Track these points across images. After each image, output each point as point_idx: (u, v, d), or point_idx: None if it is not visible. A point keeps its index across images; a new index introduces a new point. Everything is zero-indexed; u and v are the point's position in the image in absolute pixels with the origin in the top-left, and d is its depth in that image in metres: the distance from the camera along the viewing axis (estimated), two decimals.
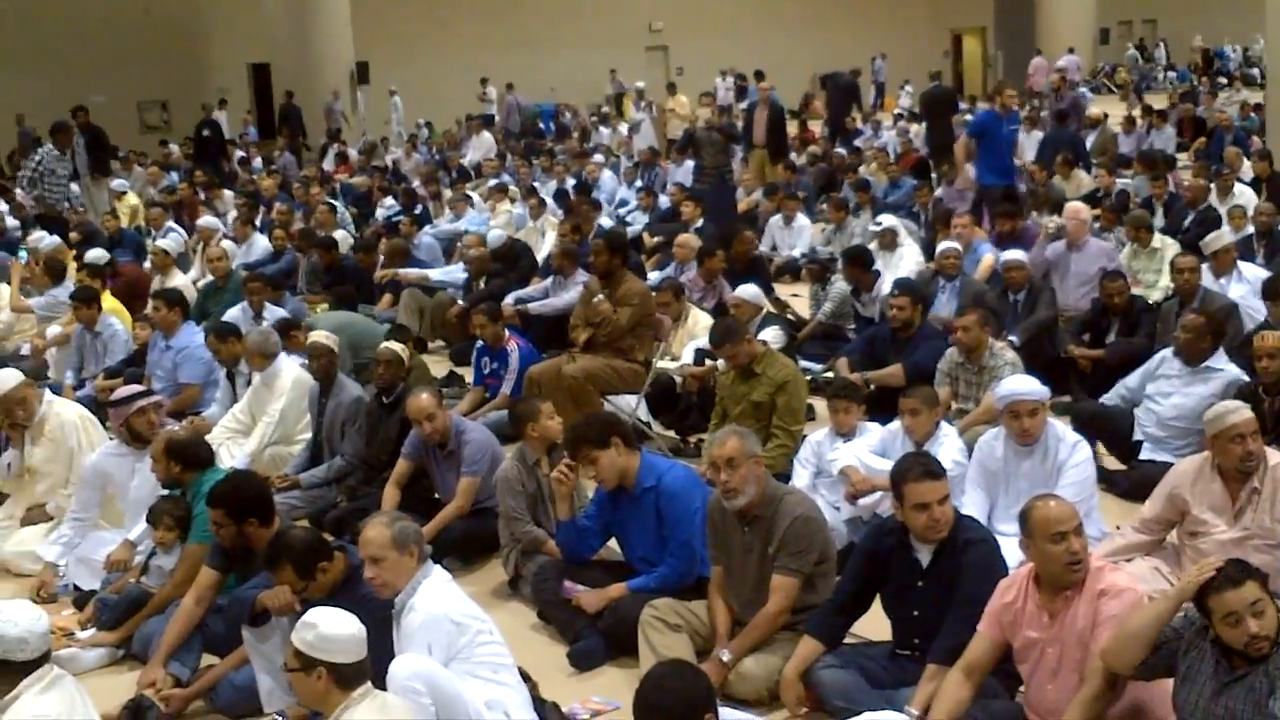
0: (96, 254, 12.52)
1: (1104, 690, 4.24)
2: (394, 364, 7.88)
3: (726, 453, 5.22)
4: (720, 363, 8.16)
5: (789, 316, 10.86)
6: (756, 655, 5.18)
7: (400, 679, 4.38)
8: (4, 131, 27.39)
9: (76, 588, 6.78)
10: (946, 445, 6.51)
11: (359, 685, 4.16)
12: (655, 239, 14.79)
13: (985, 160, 13.98)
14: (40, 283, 12.94)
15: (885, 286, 9.86)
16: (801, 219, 14.77)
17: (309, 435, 8.26)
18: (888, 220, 12.34)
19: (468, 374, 10.06)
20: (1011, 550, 4.97)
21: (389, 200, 18.54)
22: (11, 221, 18.71)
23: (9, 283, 12.82)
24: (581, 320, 8.85)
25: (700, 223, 13.24)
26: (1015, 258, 9.80)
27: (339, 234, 14.49)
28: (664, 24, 37.75)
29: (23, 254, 13.91)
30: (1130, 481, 7.25)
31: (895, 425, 6.78)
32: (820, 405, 8.33)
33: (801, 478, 6.83)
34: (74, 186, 17.02)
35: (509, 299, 11.20)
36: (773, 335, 9.02)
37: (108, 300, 11.04)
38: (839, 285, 10.70)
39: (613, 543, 6.28)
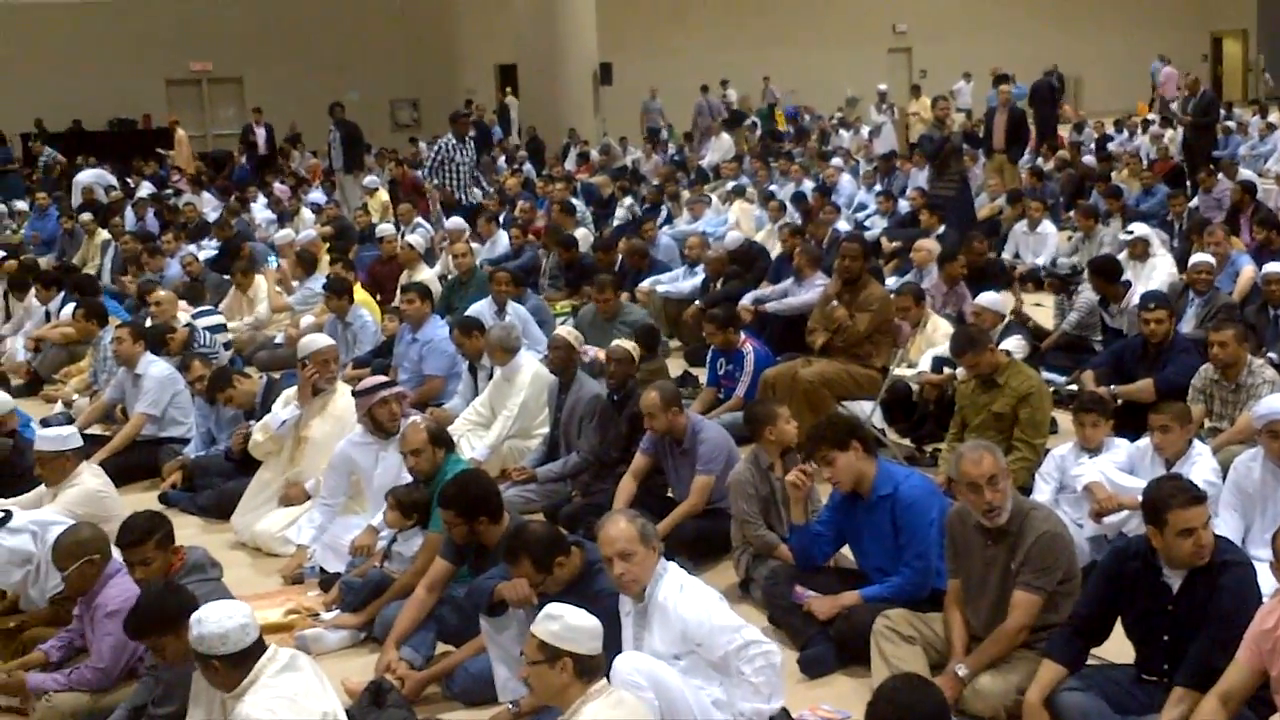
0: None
1: None
2: (624, 362, 7.96)
3: (986, 470, 5.08)
4: (959, 371, 7.99)
5: (1028, 326, 10.58)
6: (993, 672, 5.05)
7: (624, 674, 4.42)
8: (276, 127, 28.52)
9: (323, 570, 7.02)
10: (1200, 465, 6.24)
11: (598, 679, 4.20)
12: (894, 244, 14.60)
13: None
14: (295, 275, 13.49)
15: (1135, 298, 9.52)
16: (1047, 226, 14.37)
17: (547, 430, 8.40)
18: (1140, 229, 11.89)
19: (702, 374, 10.08)
20: (1265, 576, 4.76)
21: (629, 200, 18.75)
22: (269, 215, 19.56)
23: (265, 275, 13.39)
24: (819, 324, 8.78)
25: (941, 229, 13.00)
26: (1277, 271, 9.34)
27: (579, 232, 14.71)
28: (908, 26, 37.26)
29: (272, 260, 14.47)
30: None
31: (1144, 442, 6.54)
32: (1064, 418, 8.10)
33: (1043, 492, 6.64)
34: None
35: (746, 298, 11.21)
36: (1015, 345, 8.79)
37: (358, 292, 11.44)
38: (1086, 295, 10.37)
39: (845, 550, 6.22)
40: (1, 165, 24.40)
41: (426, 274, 12.77)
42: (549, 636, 4.18)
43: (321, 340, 8.10)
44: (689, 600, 4.83)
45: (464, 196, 16.57)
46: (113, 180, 22.55)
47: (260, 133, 25.42)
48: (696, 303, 11.70)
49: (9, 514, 6.17)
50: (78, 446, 6.95)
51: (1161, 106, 27.97)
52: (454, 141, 16.65)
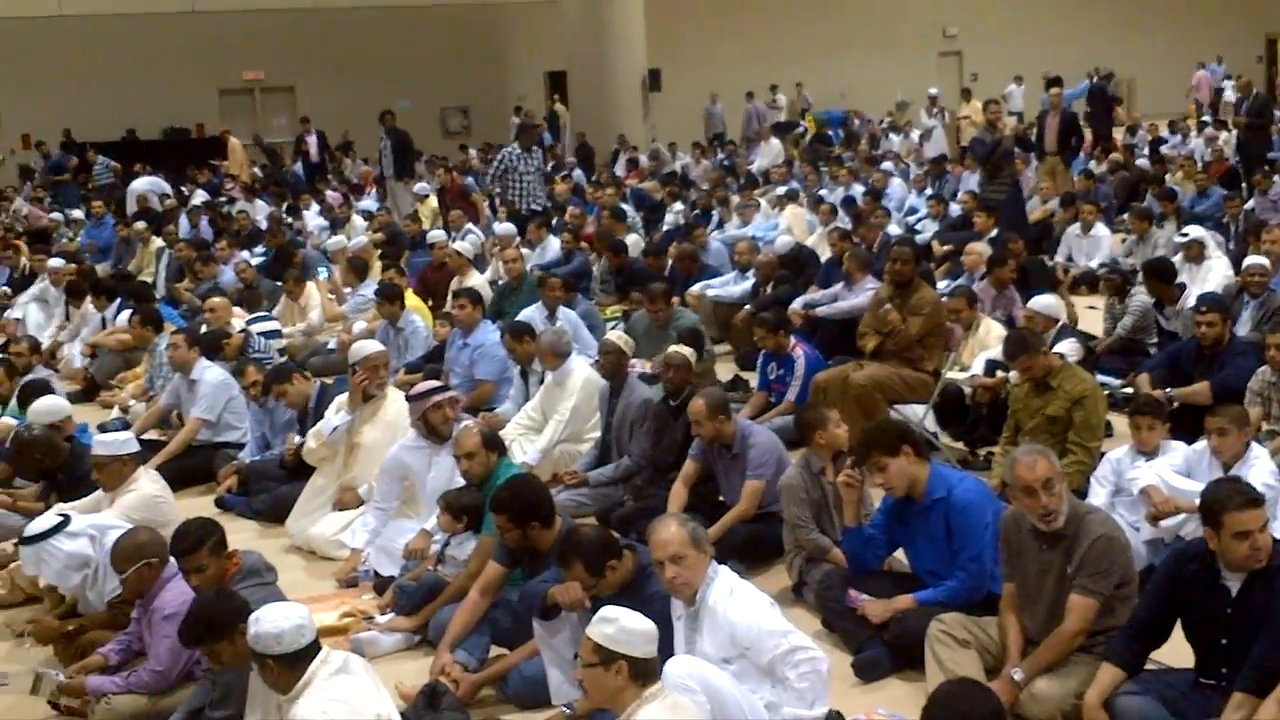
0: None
1: None
2: (682, 368, 7.96)
3: (1041, 474, 5.04)
4: (1013, 374, 7.94)
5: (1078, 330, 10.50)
6: (1050, 676, 5.01)
7: (674, 678, 4.42)
8: (328, 134, 28.72)
9: (377, 574, 7.06)
10: (1258, 468, 6.17)
11: (653, 683, 4.20)
12: (945, 247, 14.54)
13: None
14: (347, 281, 13.59)
15: (1190, 300, 9.43)
16: (1100, 228, 14.26)
17: (598, 434, 8.41)
18: (1195, 231, 11.79)
19: (753, 379, 10.06)
20: None
21: (678, 205, 18.76)
22: (321, 221, 19.70)
23: (319, 285, 13.48)
24: (870, 328, 8.75)
25: (994, 232, 12.92)
26: None
27: (629, 238, 14.73)
28: (958, 30, 37.09)
29: (323, 271, 14.57)
30: None
31: (1201, 445, 6.48)
32: (1118, 422, 8.03)
33: (1099, 496, 6.59)
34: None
35: (796, 303, 11.19)
36: (1069, 348, 8.73)
37: (410, 298, 11.51)
38: (1140, 298, 10.29)
39: (898, 553, 6.19)
40: (55, 174, 24.69)
41: (477, 279, 12.82)
42: (604, 639, 4.18)
43: (371, 346, 8.15)
44: (738, 604, 4.84)
45: (527, 205, 16.43)
46: (167, 188, 22.79)
47: (312, 140, 25.59)
48: (747, 307, 11.69)
49: (67, 518, 6.23)
50: (135, 452, 7.02)
51: (1196, 110, 28.03)
52: (519, 151, 16.52)
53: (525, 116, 26.96)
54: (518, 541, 5.78)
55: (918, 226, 16.83)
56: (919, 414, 8.49)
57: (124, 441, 7.00)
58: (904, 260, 8.76)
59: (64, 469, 7.56)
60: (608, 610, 4.28)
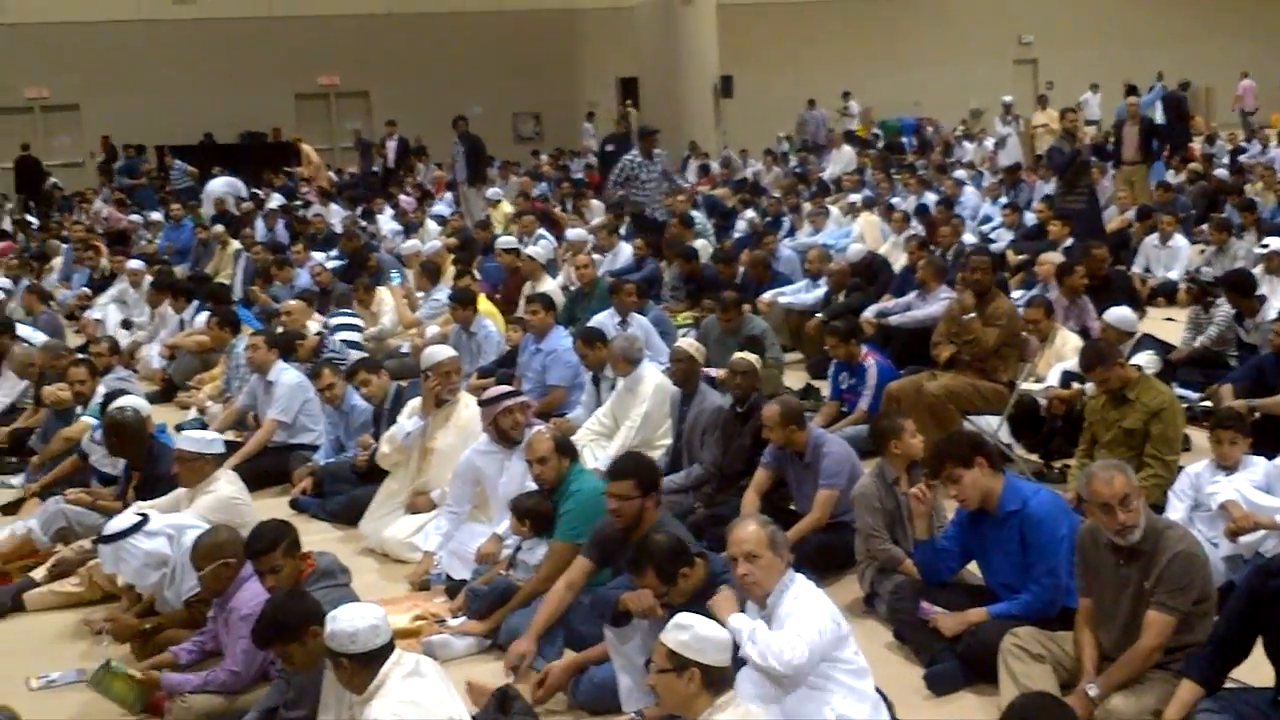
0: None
1: None
2: (748, 374, 7.96)
3: (1118, 491, 4.97)
4: (1088, 386, 7.86)
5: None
6: (1126, 693, 4.95)
7: (747, 686, 4.41)
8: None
9: (449, 577, 7.09)
10: None
11: (725, 691, 4.20)
12: (1020, 257, 14.41)
13: None
14: (420, 285, 13.69)
15: (1271, 313, 9.30)
16: (1178, 239, 14.09)
17: (669, 441, 8.41)
18: (1275, 243, 11.60)
19: (824, 387, 10.03)
20: None
21: (750, 212, 18.73)
22: (395, 226, 19.86)
23: (393, 291, 13.58)
24: (945, 337, 8.69)
25: (1069, 241, 12.80)
26: None
27: (700, 244, 14.72)
28: (1034, 37, 36.78)
29: (395, 277, 14.69)
30: None
31: None
32: (1197, 436, 7.93)
33: (1177, 510, 6.51)
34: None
35: (869, 311, 11.14)
36: (1146, 359, 8.63)
37: (483, 302, 11.57)
38: (1225, 308, 10.14)
39: (972, 565, 6.15)
40: (132, 178, 25.05)
41: (549, 285, 12.87)
42: (678, 646, 4.19)
43: (443, 352, 8.19)
44: (800, 612, 4.81)
45: (656, 211, 15.85)
46: (243, 189, 23.07)
47: (392, 145, 25.73)
48: (818, 315, 11.65)
49: (145, 518, 6.32)
50: (219, 453, 7.11)
51: (1242, 119, 27.87)
52: (639, 159, 15.79)
53: (637, 123, 26.67)
54: (631, 515, 5.76)
55: (992, 235, 16.70)
56: (993, 425, 8.42)
57: (211, 441, 7.10)
58: (983, 269, 8.70)
59: (145, 465, 7.65)
60: (683, 617, 4.28)
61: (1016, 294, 11.81)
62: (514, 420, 7.25)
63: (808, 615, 4.77)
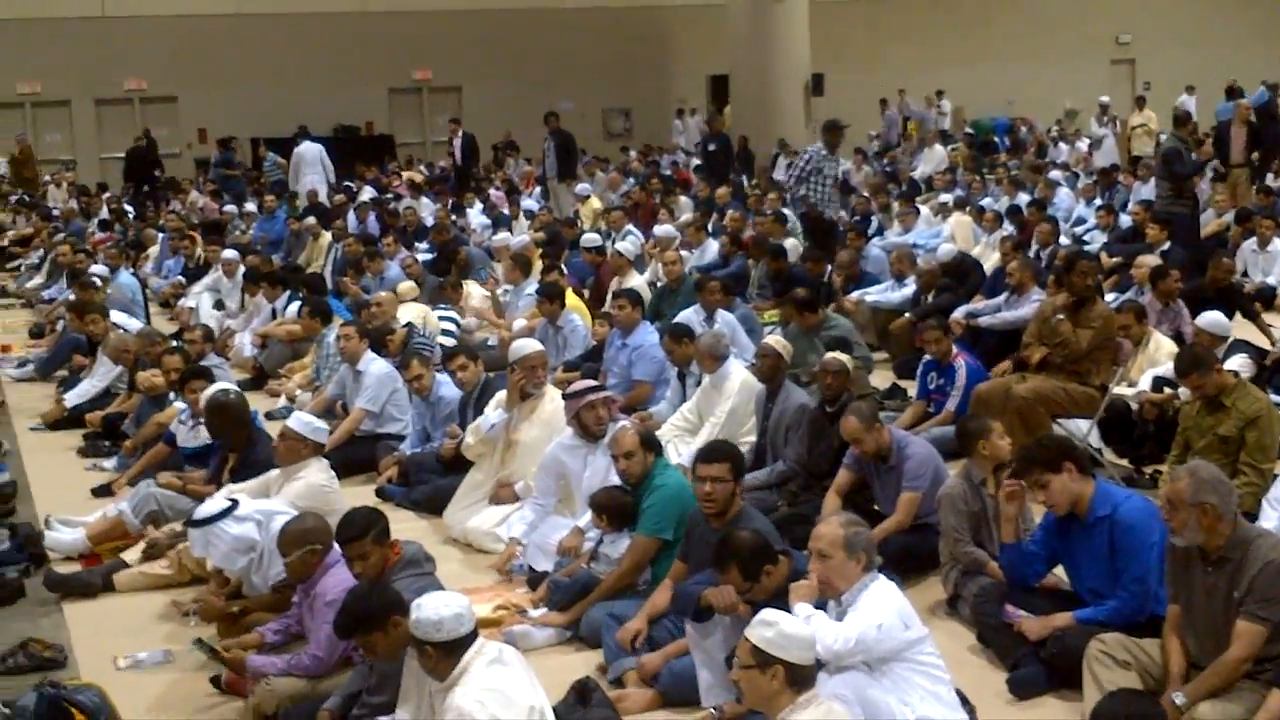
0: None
1: None
2: (839, 374, 7.93)
3: (1176, 490, 4.95)
4: (1182, 392, 7.73)
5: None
6: (1214, 702, 4.86)
7: (828, 685, 4.39)
8: (493, 134, 29.10)
9: (531, 568, 7.13)
10: None
11: (808, 689, 4.19)
12: (1114, 259, 14.20)
13: None
14: (510, 278, 13.77)
15: None
16: (1277, 244, 13.81)
17: (754, 438, 8.39)
18: None
19: (910, 386, 9.95)
20: None
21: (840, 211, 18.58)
22: (484, 220, 19.99)
23: (487, 286, 13.67)
24: (1035, 338, 8.59)
25: (1166, 245, 12.58)
26: None
27: (789, 242, 14.66)
28: (1131, 37, 36.21)
29: (482, 273, 14.77)
30: None
31: None
32: None
33: (1271, 519, 6.38)
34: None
35: (958, 312, 11.03)
36: (1241, 364, 8.46)
37: (570, 297, 11.60)
38: None
39: (1058, 570, 6.07)
40: (226, 169, 25.39)
41: (637, 280, 12.88)
42: (762, 642, 4.19)
43: (529, 346, 8.24)
44: (865, 607, 4.82)
45: (828, 210, 15.02)
46: (327, 159, 23.26)
47: (456, 143, 25.66)
48: (906, 315, 11.56)
49: (235, 503, 6.41)
50: (320, 442, 7.22)
51: None
52: (825, 152, 14.91)
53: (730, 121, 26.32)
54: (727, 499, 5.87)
55: (1086, 237, 16.48)
56: (1082, 429, 8.30)
57: (317, 429, 7.21)
58: (1087, 273, 8.59)
59: (244, 449, 7.75)
60: (768, 614, 4.29)
61: (1110, 297, 11.64)
62: (598, 415, 7.28)
63: (869, 611, 4.79)
